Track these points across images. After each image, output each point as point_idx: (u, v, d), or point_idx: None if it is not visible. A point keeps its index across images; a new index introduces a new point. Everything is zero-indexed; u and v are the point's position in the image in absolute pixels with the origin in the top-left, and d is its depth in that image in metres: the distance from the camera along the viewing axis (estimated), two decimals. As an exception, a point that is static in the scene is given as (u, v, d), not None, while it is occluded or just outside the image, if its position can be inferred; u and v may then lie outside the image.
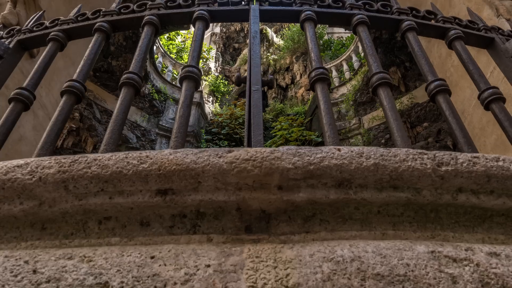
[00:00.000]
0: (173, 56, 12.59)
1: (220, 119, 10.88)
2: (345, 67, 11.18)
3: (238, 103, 12.29)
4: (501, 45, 1.53)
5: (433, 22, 1.60)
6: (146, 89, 9.45)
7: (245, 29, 17.29)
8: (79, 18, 1.62)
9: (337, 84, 10.84)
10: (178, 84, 10.80)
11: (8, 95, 2.13)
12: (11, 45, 1.57)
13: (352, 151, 0.76)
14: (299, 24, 1.49)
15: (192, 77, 1.20)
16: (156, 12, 1.51)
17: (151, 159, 0.75)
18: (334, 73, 11.44)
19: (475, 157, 0.77)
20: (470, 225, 0.78)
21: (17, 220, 0.79)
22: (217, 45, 16.33)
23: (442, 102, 1.21)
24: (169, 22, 1.56)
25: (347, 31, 10.63)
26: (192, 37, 1.40)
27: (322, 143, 9.26)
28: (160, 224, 0.77)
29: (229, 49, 17.40)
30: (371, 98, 9.30)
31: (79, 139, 7.80)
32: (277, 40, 15.66)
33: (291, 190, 0.75)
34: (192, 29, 12.64)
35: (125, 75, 1.24)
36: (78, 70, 1.33)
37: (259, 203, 0.75)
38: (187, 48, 13.83)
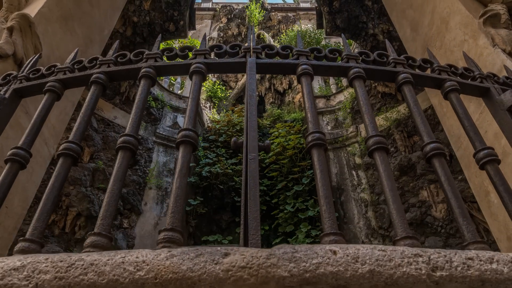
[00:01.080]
0: (170, 62, 12.56)
1: (217, 126, 10.87)
2: (342, 74, 11.18)
3: (235, 109, 12.28)
4: (496, 96, 1.54)
5: (429, 72, 1.61)
6: (143, 97, 9.42)
7: (243, 33, 17.28)
8: (75, 66, 1.62)
9: (334, 91, 10.86)
10: (175, 91, 10.78)
11: None
12: (7, 95, 1.56)
13: (347, 255, 0.76)
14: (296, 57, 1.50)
15: (189, 142, 1.20)
16: (153, 64, 1.51)
17: (147, 265, 0.75)
18: (332, 80, 11.46)
19: (469, 258, 0.78)
20: (464, 324, 0.79)
21: (14, 321, 0.78)
22: (215, 49, 16.29)
23: (438, 167, 1.21)
24: (167, 73, 1.56)
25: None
26: (189, 94, 1.40)
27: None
28: (156, 326, 0.77)
29: (226, 53, 17.36)
30: (368, 107, 9.31)
31: (76, 149, 7.76)
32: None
33: (287, 296, 0.75)
34: (190, 32, 12.62)
35: (122, 138, 1.24)
36: (74, 128, 1.33)
37: (255, 308, 0.76)
38: (184, 54, 13.79)
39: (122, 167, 1.18)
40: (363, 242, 7.70)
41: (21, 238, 1.05)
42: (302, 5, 18.95)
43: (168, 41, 11.22)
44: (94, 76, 1.50)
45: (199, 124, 10.91)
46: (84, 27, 3.72)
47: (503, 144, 2.63)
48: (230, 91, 15.18)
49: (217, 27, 17.76)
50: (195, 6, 10.37)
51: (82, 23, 3.67)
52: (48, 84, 1.53)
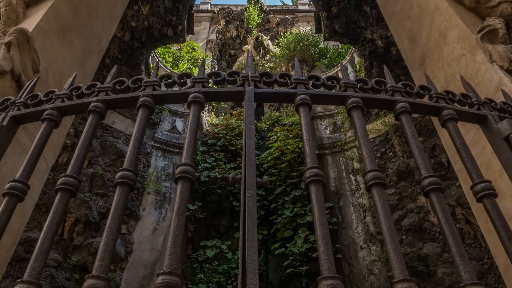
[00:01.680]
0: (168, 65, 12.55)
1: (216, 130, 10.86)
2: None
3: (234, 112, 12.28)
4: (493, 124, 1.55)
5: (426, 99, 1.61)
6: (142, 101, 9.39)
7: (241, 36, 17.26)
8: (73, 93, 1.62)
9: (332, 95, 10.86)
10: (173, 95, 10.75)
11: None
12: (4, 122, 1.56)
13: (345, 312, 0.76)
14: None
15: (188, 178, 1.20)
16: (150, 92, 1.51)
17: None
18: (330, 84, 11.46)
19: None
20: None
21: None
22: (213, 52, 16.28)
23: (435, 202, 1.22)
24: (165, 102, 1.56)
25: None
26: (187, 125, 1.40)
27: (319, 156, 9.26)
28: None
29: (225, 56, 17.36)
30: (367, 111, 9.34)
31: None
32: (273, 47, 15.66)
33: None
34: (189, 36, 12.58)
35: (120, 173, 1.24)
36: (72, 161, 1.33)
37: None
38: (183, 57, 13.80)
39: (120, 204, 1.18)
40: (361, 248, 7.72)
41: (19, 280, 1.05)
42: (301, 7, 18.95)
43: (167, 45, 11.22)
44: (92, 105, 1.50)
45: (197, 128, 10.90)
46: (83, 38, 3.71)
47: (501, 161, 2.64)
48: (229, 93, 15.14)
49: (216, 29, 17.74)
50: (194, 8, 10.38)
51: (80, 35, 3.66)
52: (46, 112, 1.52)
